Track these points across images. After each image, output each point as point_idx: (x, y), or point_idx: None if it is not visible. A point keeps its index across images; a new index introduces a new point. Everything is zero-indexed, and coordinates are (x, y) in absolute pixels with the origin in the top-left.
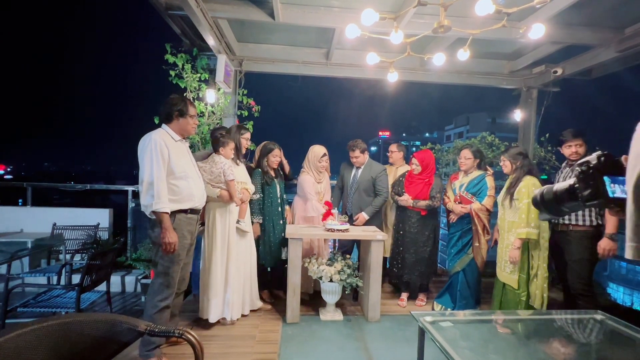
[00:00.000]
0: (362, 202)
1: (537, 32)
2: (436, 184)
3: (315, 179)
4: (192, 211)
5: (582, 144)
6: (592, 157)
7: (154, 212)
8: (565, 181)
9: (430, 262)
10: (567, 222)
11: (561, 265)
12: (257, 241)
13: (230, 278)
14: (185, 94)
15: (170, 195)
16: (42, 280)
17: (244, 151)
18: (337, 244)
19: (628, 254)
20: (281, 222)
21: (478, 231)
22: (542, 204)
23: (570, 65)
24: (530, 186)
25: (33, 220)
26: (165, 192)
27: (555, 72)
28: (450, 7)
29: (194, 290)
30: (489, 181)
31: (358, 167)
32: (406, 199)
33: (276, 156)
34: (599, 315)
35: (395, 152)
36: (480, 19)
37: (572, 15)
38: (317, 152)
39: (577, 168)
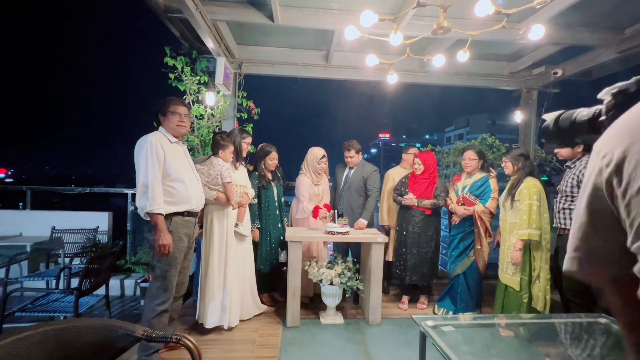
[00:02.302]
0: (353, 201)
1: (536, 33)
2: (440, 184)
3: (312, 181)
4: (189, 214)
5: (580, 146)
6: (630, 83)
7: (148, 214)
8: (590, 108)
9: (431, 263)
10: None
11: (558, 268)
12: (255, 245)
13: (229, 282)
14: (184, 97)
15: (166, 197)
16: (41, 284)
17: (244, 154)
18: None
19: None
20: (279, 225)
21: (480, 233)
22: (555, 130)
23: (571, 66)
24: (531, 187)
25: (32, 224)
26: (160, 193)
27: (555, 73)
28: (449, 9)
29: (194, 295)
30: (493, 183)
31: (351, 167)
32: (411, 198)
33: (273, 159)
34: (603, 319)
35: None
36: (480, 20)
37: (572, 16)
38: (316, 153)
39: (608, 97)
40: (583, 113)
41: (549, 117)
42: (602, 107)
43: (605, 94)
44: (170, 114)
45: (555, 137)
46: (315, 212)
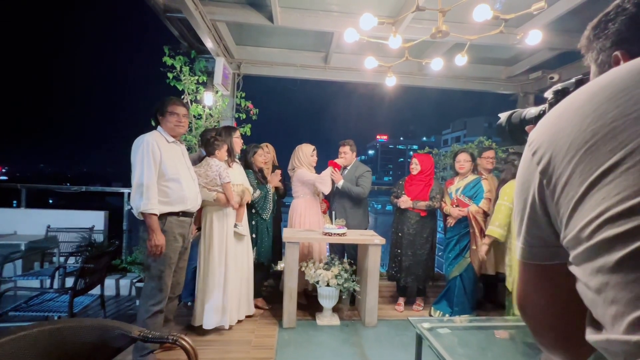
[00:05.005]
0: (346, 201)
1: (534, 38)
2: (435, 186)
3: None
4: (184, 214)
5: None
6: (571, 82)
7: (142, 214)
8: (537, 107)
9: (427, 265)
10: None
11: None
12: (254, 241)
13: (228, 284)
14: (182, 97)
15: (161, 197)
16: (35, 283)
17: (238, 150)
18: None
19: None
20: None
21: (475, 234)
22: (507, 127)
23: (567, 71)
24: (506, 189)
25: (27, 222)
26: (154, 193)
27: (552, 78)
28: (448, 13)
29: (183, 298)
30: (485, 184)
31: (345, 167)
32: (405, 200)
33: (261, 155)
34: None
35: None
36: (478, 25)
37: (569, 21)
38: (307, 149)
39: (550, 93)
40: (531, 111)
41: (503, 116)
42: (546, 105)
43: (549, 93)
44: (168, 114)
45: (508, 134)
46: (332, 164)
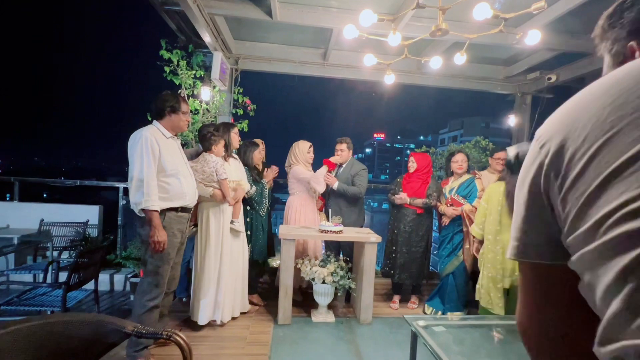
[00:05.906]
0: (341, 199)
1: (533, 38)
2: (433, 184)
3: (306, 170)
4: (183, 209)
5: None
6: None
7: (143, 210)
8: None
9: (421, 263)
10: None
11: None
12: (249, 238)
13: (223, 279)
14: (179, 91)
15: (160, 193)
16: (28, 277)
17: (237, 145)
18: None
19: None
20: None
21: (468, 232)
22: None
23: (565, 72)
24: (487, 190)
25: (20, 216)
26: (155, 189)
27: (550, 78)
28: (448, 11)
29: (178, 293)
30: (478, 184)
31: (340, 165)
32: (402, 197)
33: (260, 152)
34: None
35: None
36: (478, 24)
37: (568, 22)
38: (303, 146)
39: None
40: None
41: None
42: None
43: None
44: (182, 113)
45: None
46: (327, 163)
